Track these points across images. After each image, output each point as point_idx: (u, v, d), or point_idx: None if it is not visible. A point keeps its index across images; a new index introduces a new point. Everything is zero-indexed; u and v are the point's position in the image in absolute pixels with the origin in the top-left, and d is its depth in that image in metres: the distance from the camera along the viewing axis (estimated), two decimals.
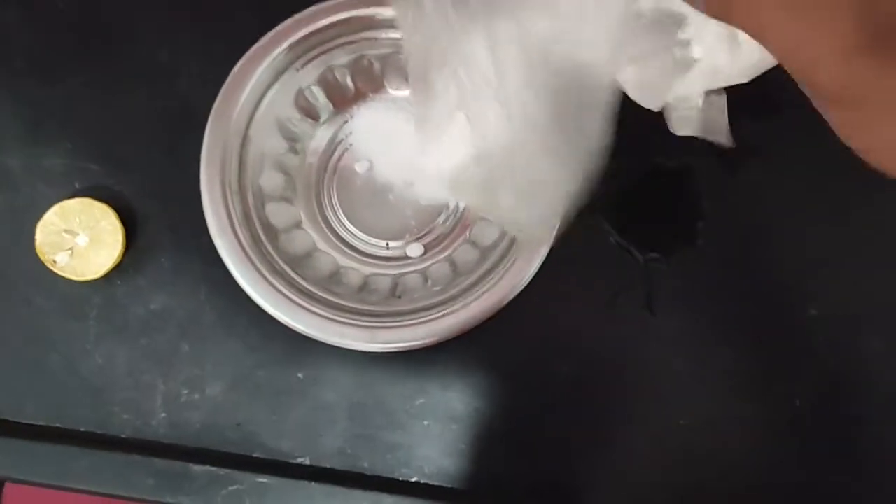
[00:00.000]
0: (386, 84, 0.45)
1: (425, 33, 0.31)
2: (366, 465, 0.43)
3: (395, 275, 0.44)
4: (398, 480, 0.43)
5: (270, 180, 0.43)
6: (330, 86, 0.44)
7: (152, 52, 0.48)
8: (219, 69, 0.44)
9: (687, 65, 0.36)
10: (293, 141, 0.44)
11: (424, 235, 0.45)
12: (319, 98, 0.44)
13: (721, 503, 0.43)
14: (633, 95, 0.38)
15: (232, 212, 0.41)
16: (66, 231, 0.44)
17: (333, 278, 0.43)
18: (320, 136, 0.45)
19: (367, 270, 0.44)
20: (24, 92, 0.48)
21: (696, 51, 0.36)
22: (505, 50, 0.29)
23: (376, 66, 0.45)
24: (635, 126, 0.44)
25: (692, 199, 0.46)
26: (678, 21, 0.35)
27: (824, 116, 0.24)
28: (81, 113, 0.47)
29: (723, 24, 0.23)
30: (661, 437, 0.43)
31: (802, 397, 0.43)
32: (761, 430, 0.43)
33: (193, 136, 0.44)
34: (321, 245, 0.44)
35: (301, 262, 0.42)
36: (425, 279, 0.44)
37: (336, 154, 0.45)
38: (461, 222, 0.44)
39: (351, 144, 0.45)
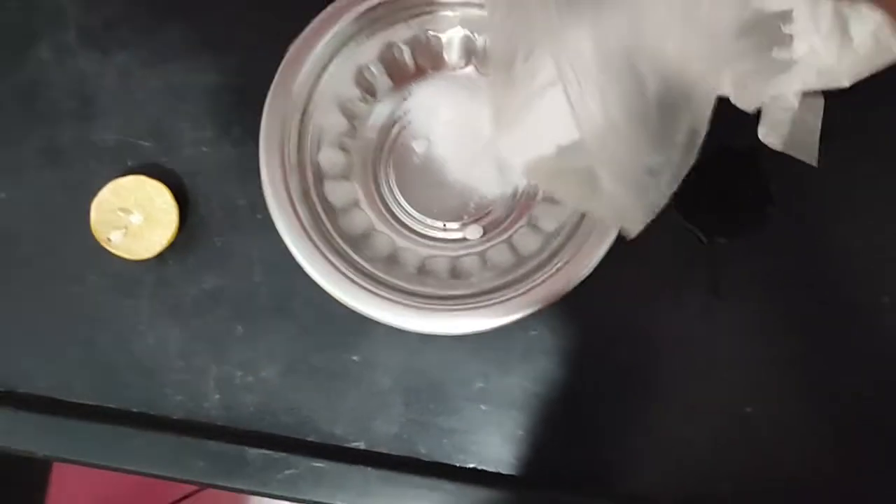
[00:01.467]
0: (446, 61, 0.44)
1: (518, 23, 0.30)
2: (422, 451, 0.43)
3: (452, 257, 0.43)
4: (454, 466, 0.42)
5: (329, 158, 0.42)
6: (389, 62, 0.43)
7: (208, 27, 0.48)
8: (275, 45, 0.43)
9: (787, 64, 0.35)
10: (352, 118, 0.43)
11: (483, 217, 0.43)
12: (379, 75, 0.43)
13: (785, 494, 0.41)
14: (728, 94, 0.36)
15: (291, 189, 0.40)
16: (120, 209, 0.43)
17: (391, 259, 0.42)
18: (378, 114, 0.44)
19: (425, 252, 0.43)
20: (77, 68, 0.48)
21: (800, 48, 0.35)
22: (612, 43, 0.29)
23: (436, 43, 0.43)
24: None
25: (760, 183, 0.44)
26: (784, 16, 0.34)
27: None
28: (134, 88, 0.47)
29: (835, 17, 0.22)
30: (724, 426, 0.42)
31: (871, 388, 0.42)
32: (828, 420, 0.42)
33: (248, 113, 0.43)
34: (378, 225, 0.43)
35: (359, 241, 0.42)
36: (484, 262, 0.43)
37: (394, 132, 0.44)
38: (521, 205, 0.43)
39: (409, 122, 0.44)
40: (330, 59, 0.42)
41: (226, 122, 0.46)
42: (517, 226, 0.43)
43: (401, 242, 0.43)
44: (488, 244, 0.43)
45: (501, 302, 0.39)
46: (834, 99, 0.44)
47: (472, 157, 0.43)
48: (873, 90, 0.36)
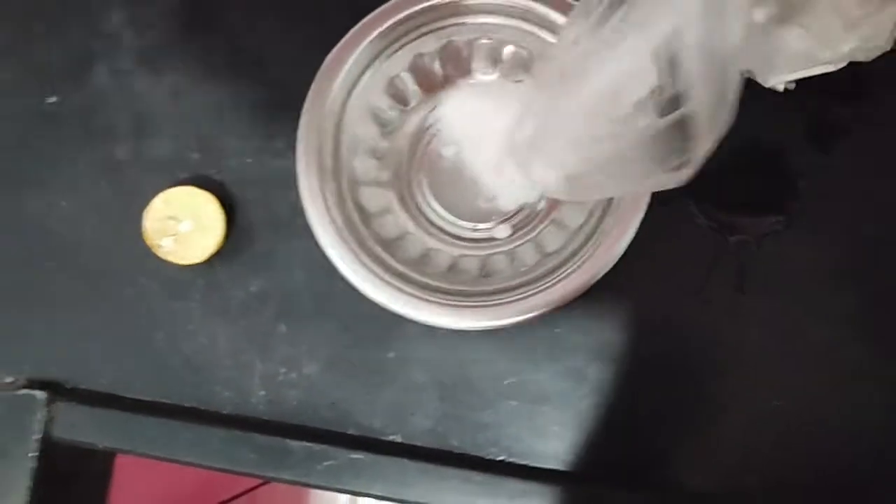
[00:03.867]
0: (473, 69, 0.46)
1: (587, 47, 0.32)
2: (455, 444, 0.44)
3: (482, 256, 0.44)
4: (486, 459, 0.44)
5: (363, 165, 0.45)
6: (419, 72, 0.45)
7: (249, 46, 0.50)
8: (311, 58, 0.45)
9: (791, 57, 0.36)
10: (384, 126, 0.46)
11: (511, 217, 0.45)
12: (409, 84, 0.45)
13: (815, 487, 0.42)
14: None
15: (328, 197, 0.42)
16: (170, 217, 0.46)
17: (423, 259, 0.44)
18: (410, 122, 0.46)
19: (456, 252, 0.45)
20: (131, 88, 0.51)
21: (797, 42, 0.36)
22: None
23: (464, 51, 0.45)
24: None
25: (785, 179, 0.45)
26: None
27: None
28: (184, 106, 0.50)
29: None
30: (754, 419, 0.43)
31: None
32: (863, 413, 0.42)
33: (288, 124, 0.46)
34: (411, 228, 0.45)
35: (392, 244, 0.44)
36: (512, 260, 0.44)
37: (425, 139, 0.46)
38: (548, 205, 0.45)
39: (439, 130, 0.46)
40: (362, 71, 0.44)
41: (267, 135, 0.48)
42: (543, 224, 0.44)
43: (433, 244, 0.45)
44: (516, 243, 0.45)
45: (527, 297, 0.41)
46: (851, 100, 0.45)
47: (498, 161, 0.45)
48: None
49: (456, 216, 0.45)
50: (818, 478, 0.42)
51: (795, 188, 0.45)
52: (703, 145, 0.33)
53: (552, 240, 0.44)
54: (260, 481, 1.05)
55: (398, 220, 0.45)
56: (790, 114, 0.45)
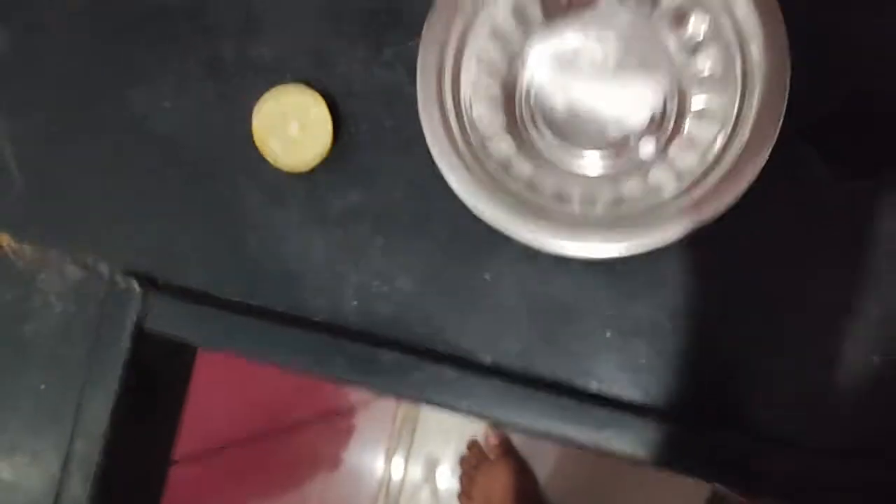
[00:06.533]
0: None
1: None
2: (544, 370, 0.45)
3: (591, 182, 0.44)
4: (575, 387, 0.44)
5: (481, 85, 0.44)
6: None
7: None
8: None
9: None
10: (506, 49, 0.45)
11: (623, 146, 0.44)
12: (533, 9, 0.44)
13: None
14: None
15: (445, 109, 0.42)
16: (280, 115, 0.46)
17: (530, 184, 0.44)
18: (531, 48, 0.45)
19: (563, 180, 0.44)
20: None
21: None
22: None
23: None
24: (838, 48, 0.43)
25: None
26: None
27: None
28: (294, 7, 0.49)
29: None
30: (849, 373, 0.42)
31: None
32: None
33: (401, 37, 0.46)
34: (521, 152, 0.44)
35: (503, 166, 0.43)
36: (617, 195, 0.44)
37: (541, 69, 0.45)
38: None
39: (558, 55, 0.45)
40: None
41: (379, 44, 0.48)
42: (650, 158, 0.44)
43: (541, 170, 0.44)
44: (622, 177, 0.44)
45: (634, 229, 0.40)
46: None
47: (606, 87, 0.44)
48: None
49: (567, 142, 0.45)
50: None
51: None
52: None
53: (657, 177, 0.43)
54: (312, 418, 1.07)
55: (510, 143, 0.44)
56: None
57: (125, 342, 0.47)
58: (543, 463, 1.17)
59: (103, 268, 0.48)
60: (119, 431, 0.47)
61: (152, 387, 0.50)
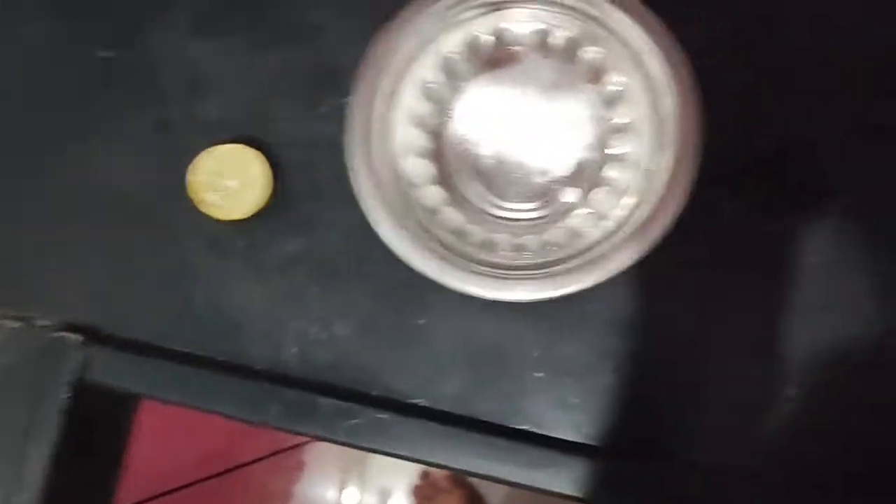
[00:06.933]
0: (520, 53, 0.48)
1: None
2: (479, 411, 0.46)
3: (515, 233, 0.46)
4: (510, 427, 0.46)
5: (410, 137, 0.46)
6: (471, 51, 0.47)
7: (302, 13, 0.51)
8: (362, 30, 0.46)
9: None
10: (434, 103, 0.47)
11: (548, 195, 0.47)
12: (462, 62, 0.47)
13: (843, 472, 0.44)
14: None
15: (373, 162, 0.44)
16: (217, 173, 0.47)
17: (459, 233, 0.45)
18: (460, 100, 0.47)
19: (492, 228, 0.46)
20: (186, 51, 0.52)
21: None
22: None
23: (510, 36, 0.47)
24: (750, 99, 0.46)
25: (822, 175, 0.46)
26: None
27: None
28: (234, 69, 0.51)
29: None
30: (768, 405, 0.44)
31: None
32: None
33: (336, 93, 0.48)
34: (449, 202, 0.46)
35: (432, 214, 0.45)
36: (542, 238, 0.46)
37: (468, 121, 0.48)
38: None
39: (485, 108, 0.48)
40: (415, 47, 0.45)
41: (315, 101, 0.49)
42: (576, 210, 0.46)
43: (470, 218, 0.46)
44: (547, 224, 0.46)
45: (560, 274, 0.43)
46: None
47: (531, 138, 0.47)
48: None
49: (495, 196, 0.47)
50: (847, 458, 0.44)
51: (831, 186, 0.46)
52: None
53: (585, 225, 0.45)
54: (261, 455, 1.07)
55: (439, 193, 0.46)
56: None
57: (63, 393, 0.47)
58: (495, 492, 1.18)
59: (42, 321, 0.49)
60: (59, 482, 0.47)
61: (93, 436, 0.51)
